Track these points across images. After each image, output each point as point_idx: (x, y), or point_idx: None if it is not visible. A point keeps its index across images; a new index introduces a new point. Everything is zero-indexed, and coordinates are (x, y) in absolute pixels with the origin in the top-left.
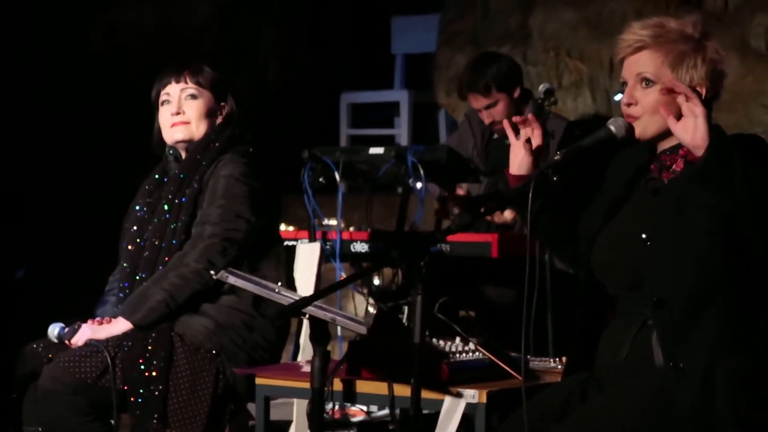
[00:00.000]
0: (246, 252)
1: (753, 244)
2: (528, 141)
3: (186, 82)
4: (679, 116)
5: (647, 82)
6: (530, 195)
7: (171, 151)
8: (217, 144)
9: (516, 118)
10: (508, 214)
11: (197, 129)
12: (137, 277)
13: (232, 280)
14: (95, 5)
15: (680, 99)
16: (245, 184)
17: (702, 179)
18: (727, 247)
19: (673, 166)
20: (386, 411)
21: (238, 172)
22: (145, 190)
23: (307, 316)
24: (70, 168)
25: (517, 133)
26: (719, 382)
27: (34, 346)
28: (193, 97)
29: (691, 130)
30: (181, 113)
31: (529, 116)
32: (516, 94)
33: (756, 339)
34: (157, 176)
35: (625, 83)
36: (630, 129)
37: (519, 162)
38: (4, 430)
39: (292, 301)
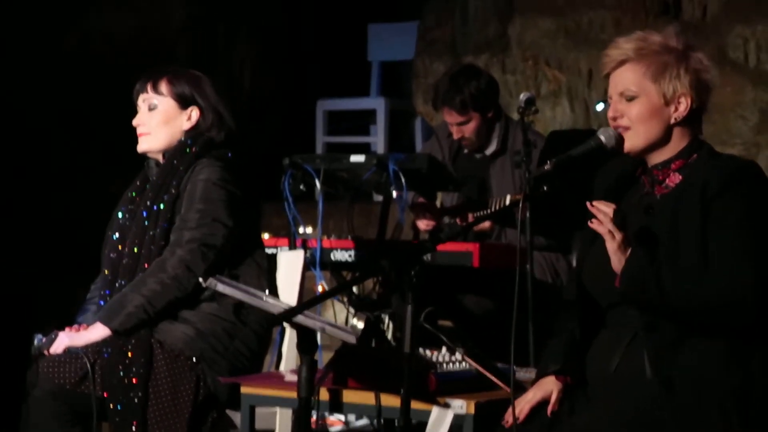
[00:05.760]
0: (225, 257)
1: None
2: None
3: (147, 92)
4: (667, 123)
5: (630, 97)
6: (521, 204)
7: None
8: (193, 149)
9: None
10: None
11: (157, 139)
12: (117, 285)
13: (220, 287)
14: (70, 12)
15: (601, 231)
16: (223, 188)
17: (624, 301)
18: None
19: (666, 181)
20: (365, 421)
21: (216, 177)
22: (128, 197)
23: (293, 324)
24: (43, 175)
25: None
26: (710, 400)
27: None
28: (153, 107)
29: (610, 255)
30: (141, 124)
31: None
32: (489, 114)
33: (748, 355)
34: (138, 183)
35: (610, 97)
36: (620, 139)
37: None
38: None
39: (280, 309)
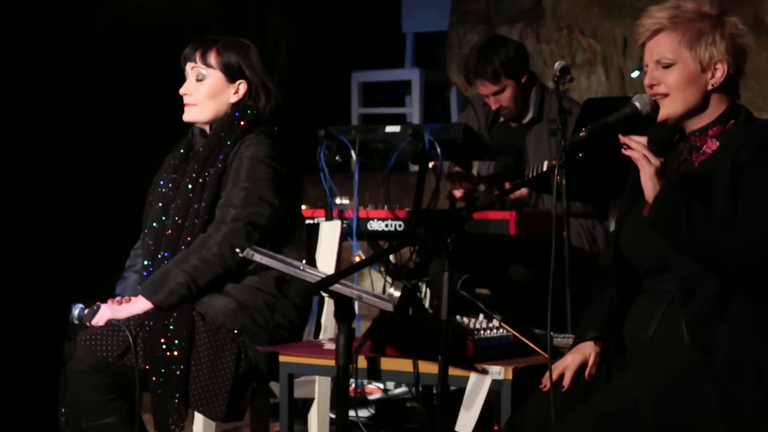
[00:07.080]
0: (269, 235)
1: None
2: None
3: (196, 62)
4: (705, 89)
5: (667, 65)
6: (556, 170)
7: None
8: (242, 123)
9: None
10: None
11: (203, 111)
12: (159, 256)
13: (257, 257)
14: None
15: (635, 157)
16: (269, 166)
17: (651, 228)
18: None
19: (704, 147)
20: (403, 389)
21: (263, 154)
22: (170, 164)
23: (332, 293)
24: (80, 149)
25: None
26: (748, 366)
27: None
28: (201, 78)
29: (643, 184)
30: (188, 94)
31: None
32: (523, 80)
33: None
34: (182, 150)
35: (646, 66)
36: (655, 106)
37: None
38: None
39: (318, 278)
